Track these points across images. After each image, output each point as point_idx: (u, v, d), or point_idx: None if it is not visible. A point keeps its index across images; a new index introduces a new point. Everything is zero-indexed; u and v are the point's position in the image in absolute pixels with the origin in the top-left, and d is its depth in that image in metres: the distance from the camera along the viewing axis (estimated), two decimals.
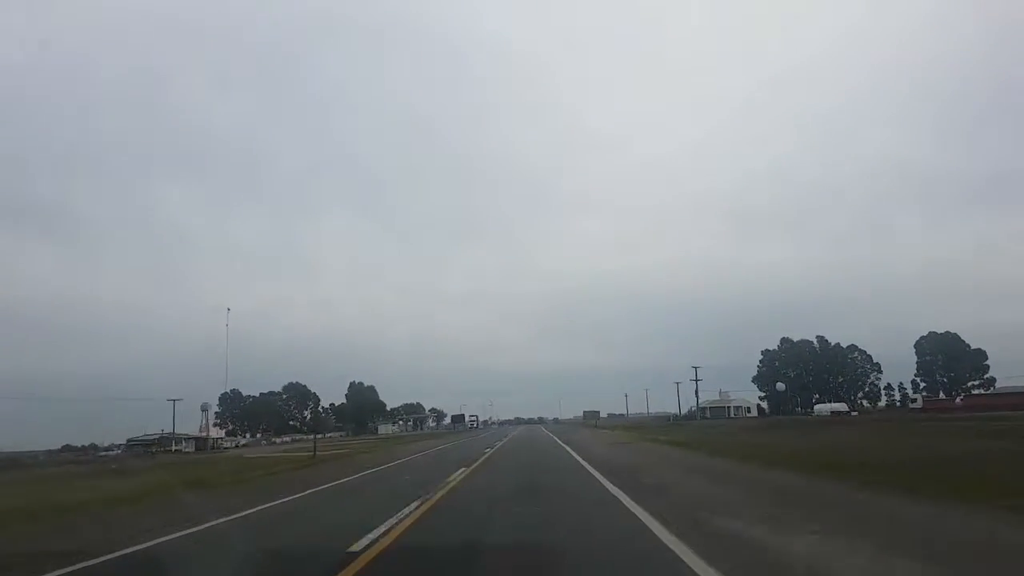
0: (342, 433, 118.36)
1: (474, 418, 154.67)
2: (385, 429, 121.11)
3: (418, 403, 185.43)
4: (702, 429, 51.95)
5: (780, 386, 76.79)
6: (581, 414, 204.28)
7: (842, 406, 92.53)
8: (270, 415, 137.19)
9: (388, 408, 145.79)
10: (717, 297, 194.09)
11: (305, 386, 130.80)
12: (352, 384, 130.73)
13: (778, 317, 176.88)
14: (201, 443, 69.68)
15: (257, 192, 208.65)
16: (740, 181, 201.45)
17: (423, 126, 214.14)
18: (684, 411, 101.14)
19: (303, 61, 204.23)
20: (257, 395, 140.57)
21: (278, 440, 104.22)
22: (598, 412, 79.37)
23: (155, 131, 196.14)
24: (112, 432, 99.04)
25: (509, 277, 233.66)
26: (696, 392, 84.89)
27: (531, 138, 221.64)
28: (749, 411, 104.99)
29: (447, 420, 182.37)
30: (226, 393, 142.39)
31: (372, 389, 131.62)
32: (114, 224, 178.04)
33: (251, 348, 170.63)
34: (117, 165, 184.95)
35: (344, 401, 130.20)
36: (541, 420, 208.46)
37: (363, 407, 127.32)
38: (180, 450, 61.48)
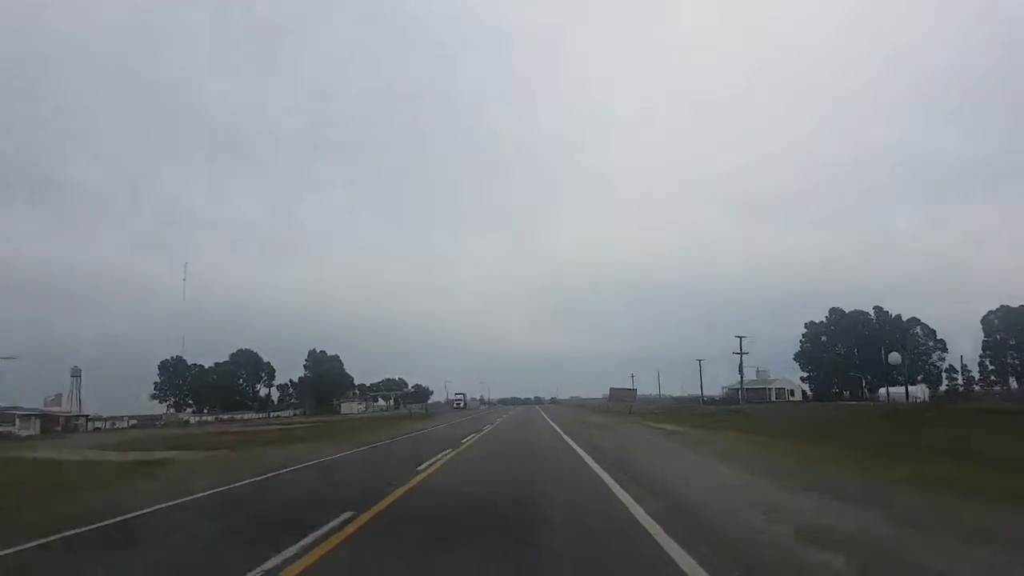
0: (294, 412, 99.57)
1: (460, 397, 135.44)
2: (349, 408, 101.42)
3: (400, 379, 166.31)
4: (779, 419, 32.69)
5: (895, 357, 57.02)
6: (575, 395, 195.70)
7: (921, 390, 73.15)
8: (216, 389, 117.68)
9: (356, 382, 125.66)
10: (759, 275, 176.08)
11: (257, 354, 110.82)
12: (312, 353, 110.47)
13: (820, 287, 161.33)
14: (53, 422, 49.95)
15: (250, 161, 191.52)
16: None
17: (419, 100, 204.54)
18: (714, 393, 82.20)
19: (302, 36, 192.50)
20: (209, 366, 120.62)
21: (206, 418, 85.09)
22: (634, 390, 59.26)
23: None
24: None
25: (512, 259, 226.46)
26: (740, 368, 65.56)
27: (533, 119, 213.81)
28: (792, 395, 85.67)
29: (433, 399, 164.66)
30: (167, 361, 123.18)
31: (336, 359, 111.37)
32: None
33: (210, 314, 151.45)
34: None
35: (310, 376, 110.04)
36: (538, 400, 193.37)
37: (325, 380, 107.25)
38: (11, 432, 41.71)
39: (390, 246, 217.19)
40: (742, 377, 67.24)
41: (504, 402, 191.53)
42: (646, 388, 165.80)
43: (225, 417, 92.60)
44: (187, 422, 71.03)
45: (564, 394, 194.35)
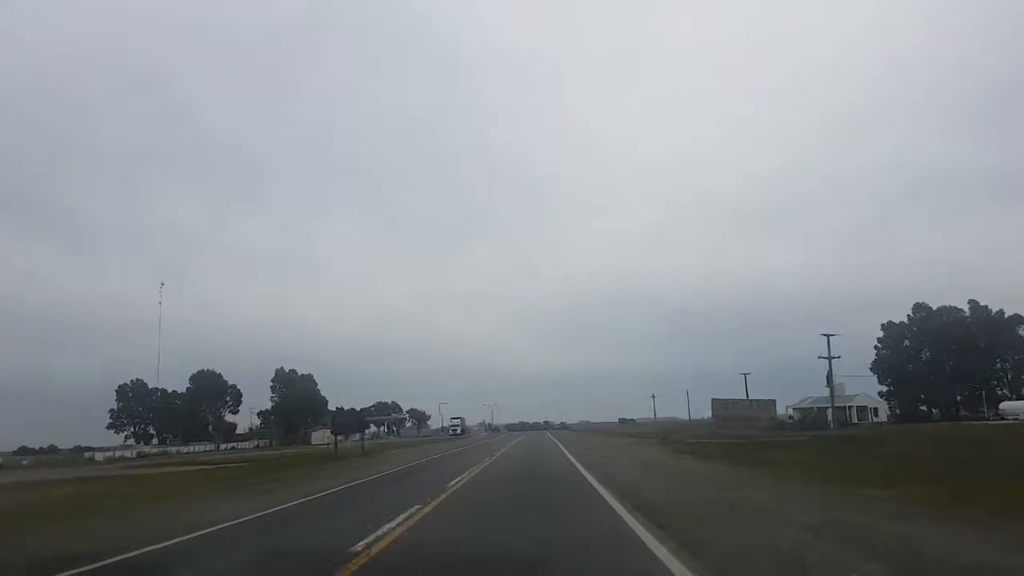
0: (258, 443, 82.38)
1: (457, 422, 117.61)
2: (321, 437, 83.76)
3: (393, 403, 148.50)
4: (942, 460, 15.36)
5: None
6: (585, 420, 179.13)
7: None
8: (180, 417, 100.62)
9: (346, 407, 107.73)
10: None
11: (220, 376, 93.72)
12: (280, 373, 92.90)
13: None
14: None
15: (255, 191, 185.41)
16: None
17: (419, 123, 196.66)
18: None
19: (302, 60, 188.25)
20: (173, 391, 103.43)
21: (143, 451, 68.23)
22: (769, 401, 41.53)
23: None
24: None
25: (514, 278, 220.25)
26: (830, 379, 47.61)
27: (536, 138, 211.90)
28: (876, 413, 67.23)
29: (433, 424, 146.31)
30: (126, 386, 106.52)
31: (309, 380, 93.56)
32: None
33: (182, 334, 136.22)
34: None
35: (278, 399, 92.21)
36: (547, 425, 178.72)
37: (296, 405, 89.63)
38: None
39: (389, 266, 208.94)
40: (832, 389, 49.35)
41: (511, 428, 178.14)
42: (664, 411, 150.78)
43: (172, 450, 75.62)
44: (93, 459, 54.30)
45: (573, 419, 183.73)
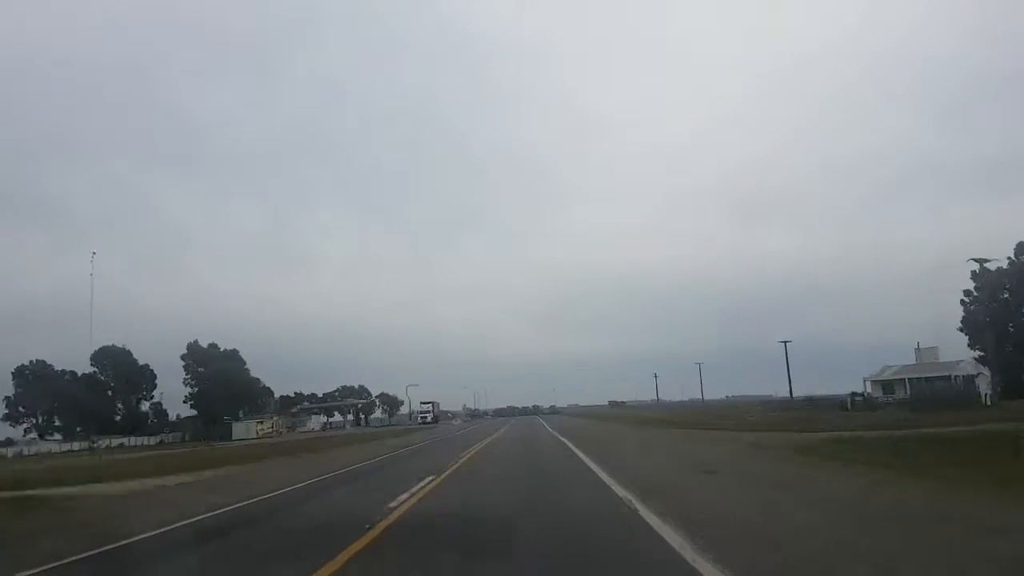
0: (162, 438, 63.75)
1: (428, 407, 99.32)
2: (245, 429, 64.76)
3: (361, 386, 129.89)
4: None
5: None
6: (574, 403, 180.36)
7: None
8: (88, 405, 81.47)
9: (308, 392, 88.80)
10: None
11: (129, 354, 74.47)
12: (193, 347, 73.37)
13: None
14: None
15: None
16: None
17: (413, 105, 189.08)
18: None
19: (298, 49, 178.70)
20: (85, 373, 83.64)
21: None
22: None
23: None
24: None
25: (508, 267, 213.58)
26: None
27: (530, 126, 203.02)
28: (975, 383, 49.93)
29: (406, 409, 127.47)
30: (25, 367, 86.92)
31: (234, 357, 74.20)
32: None
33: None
34: None
35: (192, 381, 72.66)
36: (537, 409, 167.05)
37: (219, 389, 70.45)
38: None
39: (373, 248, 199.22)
40: None
41: (499, 413, 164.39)
42: (647, 393, 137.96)
43: (28, 453, 57.56)
44: None
45: (562, 403, 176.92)
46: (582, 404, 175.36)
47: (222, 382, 68.19)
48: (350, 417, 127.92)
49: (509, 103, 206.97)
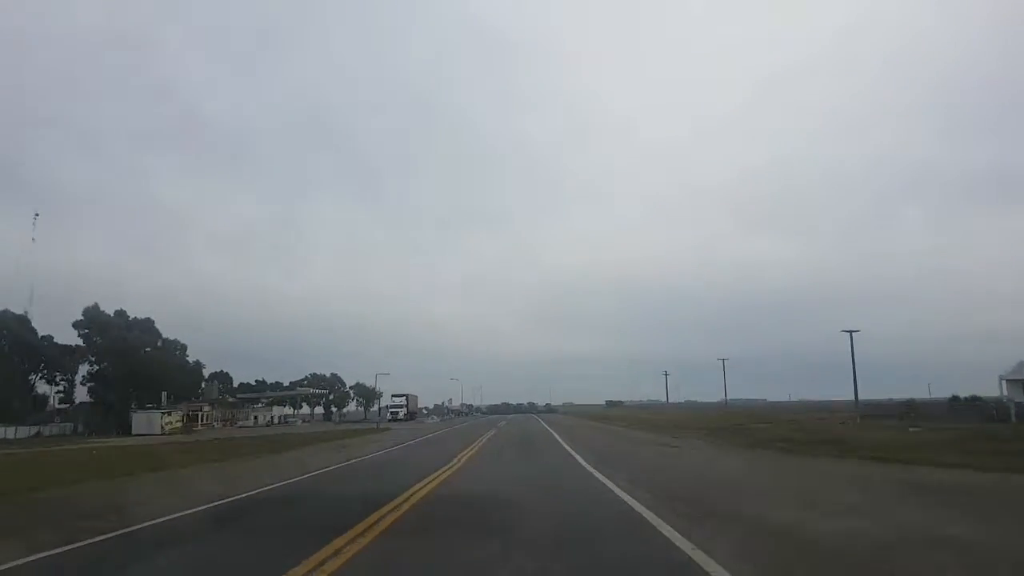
0: (34, 431, 49.21)
1: (401, 401, 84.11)
2: (147, 422, 49.20)
3: (333, 375, 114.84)
4: None
5: None
6: (569, 401, 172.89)
7: None
8: None
9: (200, 371, 72.57)
10: None
11: (27, 321, 59.43)
12: (89, 312, 57.54)
13: None
14: None
15: None
16: None
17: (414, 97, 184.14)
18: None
19: (299, 40, 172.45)
20: None
21: None
22: None
23: None
24: None
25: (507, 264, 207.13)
26: None
27: (531, 124, 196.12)
28: None
29: (383, 402, 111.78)
30: None
31: (148, 327, 58.56)
32: None
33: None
34: None
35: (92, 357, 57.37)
36: (532, 407, 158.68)
37: (127, 368, 55.13)
38: None
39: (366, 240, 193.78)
40: None
41: (494, 410, 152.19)
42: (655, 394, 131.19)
43: None
44: None
45: (557, 401, 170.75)
46: (577, 403, 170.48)
47: (127, 361, 53.10)
48: (319, 410, 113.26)
49: (520, 100, 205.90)
